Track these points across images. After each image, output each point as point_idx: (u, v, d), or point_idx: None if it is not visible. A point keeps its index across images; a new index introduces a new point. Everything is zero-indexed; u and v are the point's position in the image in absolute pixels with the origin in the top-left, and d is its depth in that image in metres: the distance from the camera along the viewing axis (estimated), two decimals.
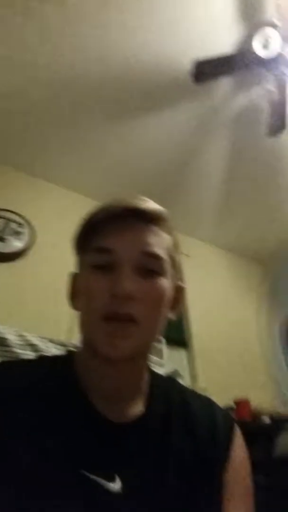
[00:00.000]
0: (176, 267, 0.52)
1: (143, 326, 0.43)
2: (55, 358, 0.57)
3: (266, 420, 1.76)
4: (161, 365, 0.95)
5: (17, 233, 2.00)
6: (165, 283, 0.47)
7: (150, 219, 0.48)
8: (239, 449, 0.50)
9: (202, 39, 1.69)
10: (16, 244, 1.97)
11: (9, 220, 2.02)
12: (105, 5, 1.57)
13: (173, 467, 0.44)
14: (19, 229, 2.02)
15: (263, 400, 2.06)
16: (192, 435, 0.48)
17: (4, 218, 2.01)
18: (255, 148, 2.23)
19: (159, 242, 0.48)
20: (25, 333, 0.80)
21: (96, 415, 0.45)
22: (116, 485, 0.40)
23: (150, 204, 0.49)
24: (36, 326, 0.88)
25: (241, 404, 1.83)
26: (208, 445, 0.48)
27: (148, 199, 0.50)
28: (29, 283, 1.83)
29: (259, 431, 1.69)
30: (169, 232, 0.51)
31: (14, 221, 2.03)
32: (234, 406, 1.84)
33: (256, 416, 1.76)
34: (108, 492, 0.40)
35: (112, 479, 0.41)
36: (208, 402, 0.56)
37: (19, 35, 1.65)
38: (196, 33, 1.68)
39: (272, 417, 1.78)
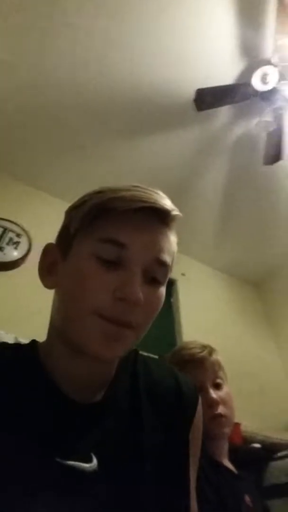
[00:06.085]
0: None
1: (137, 331, 0.43)
2: (17, 346, 0.53)
3: (257, 446, 1.72)
4: None
5: (15, 243, 2.00)
6: (163, 291, 0.46)
7: (166, 219, 0.45)
8: (199, 414, 0.53)
9: (206, 70, 1.81)
10: (14, 254, 1.97)
11: (7, 229, 2.03)
12: (115, 24, 1.66)
13: (146, 440, 0.45)
14: (17, 239, 2.02)
15: (256, 425, 2.01)
16: (160, 406, 0.49)
17: (2, 227, 2.02)
18: (252, 174, 2.31)
19: (169, 248, 0.46)
20: (21, 339, 0.81)
21: (64, 399, 0.44)
22: (92, 465, 0.40)
23: (168, 202, 0.46)
24: (32, 334, 0.88)
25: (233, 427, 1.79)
26: (176, 414, 0.50)
27: (164, 195, 0.47)
28: (25, 291, 1.83)
29: (249, 457, 1.64)
30: (175, 235, 0.49)
31: (12, 231, 2.04)
32: None
33: (247, 441, 1.71)
34: (83, 473, 0.39)
35: (89, 460, 0.40)
36: (171, 372, 0.57)
37: (19, 40, 1.68)
38: (200, 64, 1.80)
39: (263, 444, 1.74)
